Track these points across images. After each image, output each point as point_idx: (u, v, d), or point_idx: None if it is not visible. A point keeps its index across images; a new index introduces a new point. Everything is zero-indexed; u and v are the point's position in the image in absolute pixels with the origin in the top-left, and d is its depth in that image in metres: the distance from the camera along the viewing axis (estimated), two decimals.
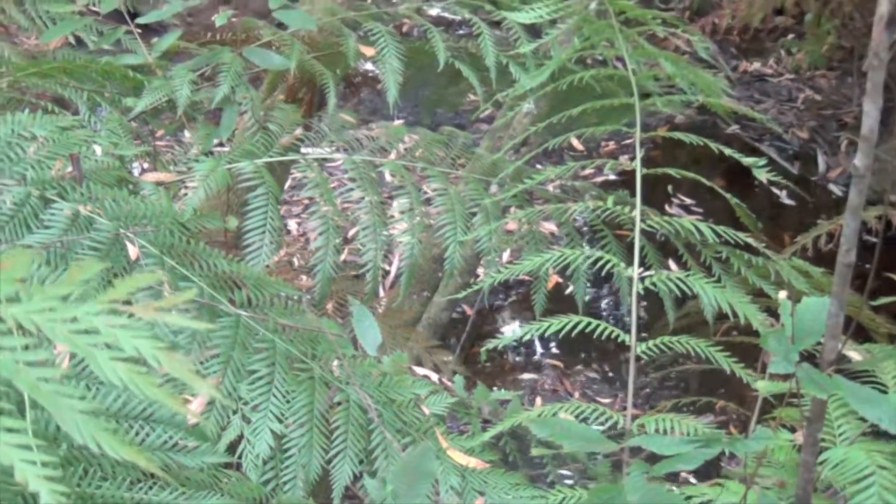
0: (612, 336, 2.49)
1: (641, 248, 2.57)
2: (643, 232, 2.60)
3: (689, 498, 2.25)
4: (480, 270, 2.83)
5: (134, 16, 3.06)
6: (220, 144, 2.79)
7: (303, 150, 2.87)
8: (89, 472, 1.83)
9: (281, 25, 2.96)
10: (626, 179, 2.61)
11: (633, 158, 2.72)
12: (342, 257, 2.75)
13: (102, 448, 1.22)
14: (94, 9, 3.11)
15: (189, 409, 1.74)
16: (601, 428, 2.34)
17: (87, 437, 1.22)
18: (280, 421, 2.07)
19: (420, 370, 3.14)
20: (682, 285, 2.52)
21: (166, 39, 2.94)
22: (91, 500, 1.81)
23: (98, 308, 1.31)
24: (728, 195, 3.04)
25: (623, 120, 2.91)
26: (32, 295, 1.34)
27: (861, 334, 3.24)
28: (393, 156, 3.01)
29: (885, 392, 2.43)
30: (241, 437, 2.04)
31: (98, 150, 2.45)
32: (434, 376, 2.84)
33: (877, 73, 1.80)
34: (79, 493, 1.81)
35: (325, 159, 2.89)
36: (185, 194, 2.55)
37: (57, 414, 1.22)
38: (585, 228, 2.95)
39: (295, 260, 4.22)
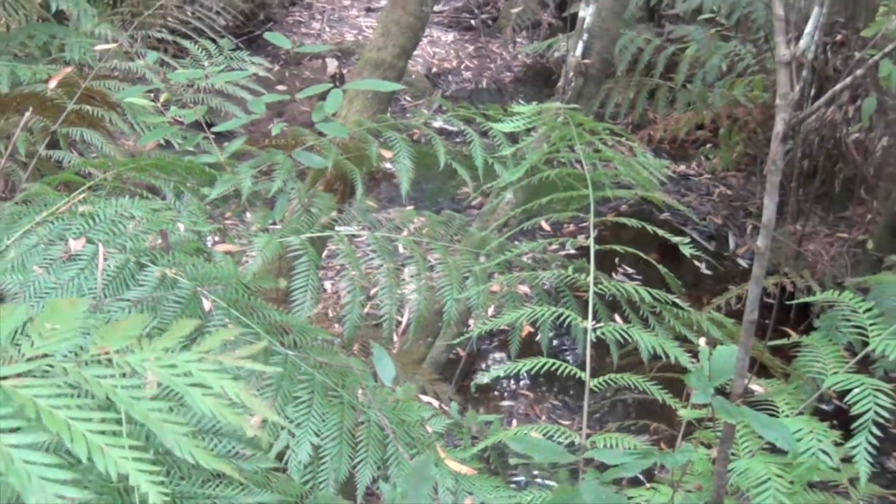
0: (571, 373, 2.51)
1: (594, 306, 2.59)
2: (596, 293, 2.62)
3: (630, 498, 2.25)
4: (471, 322, 2.83)
5: (210, 125, 3.09)
6: (274, 223, 2.80)
7: (337, 228, 2.88)
8: (171, 473, 1.84)
9: (321, 133, 2.98)
10: (582, 253, 2.62)
11: (588, 237, 2.74)
12: (365, 310, 2.74)
13: (197, 460, 1.25)
14: (179, 119, 3.14)
15: (249, 426, 1.75)
16: (563, 443, 2.35)
17: (185, 451, 1.25)
18: (317, 435, 2.07)
19: (424, 398, 3.14)
20: (625, 334, 2.55)
21: (234, 144, 2.96)
22: (172, 496, 1.82)
23: (192, 357, 1.34)
24: (660, 266, 3.06)
25: (580, 207, 2.93)
26: (143, 347, 1.37)
27: (762, 373, 3.24)
28: (405, 233, 3.02)
29: (777, 416, 2.45)
30: (287, 447, 2.05)
31: (181, 227, 2.45)
32: (435, 403, 2.84)
33: (773, 177, 1.84)
34: (168, 488, 1.83)
35: (353, 235, 2.90)
36: (247, 261, 2.57)
37: (162, 435, 1.25)
38: (552, 290, 2.95)
39: (329, 312, 4.21)
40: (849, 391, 2.34)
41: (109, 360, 1.34)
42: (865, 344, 2.48)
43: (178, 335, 1.41)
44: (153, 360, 1.35)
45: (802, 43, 3.38)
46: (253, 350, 1.44)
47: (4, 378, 1.25)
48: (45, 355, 1.31)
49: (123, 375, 1.33)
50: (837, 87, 2.17)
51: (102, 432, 1.21)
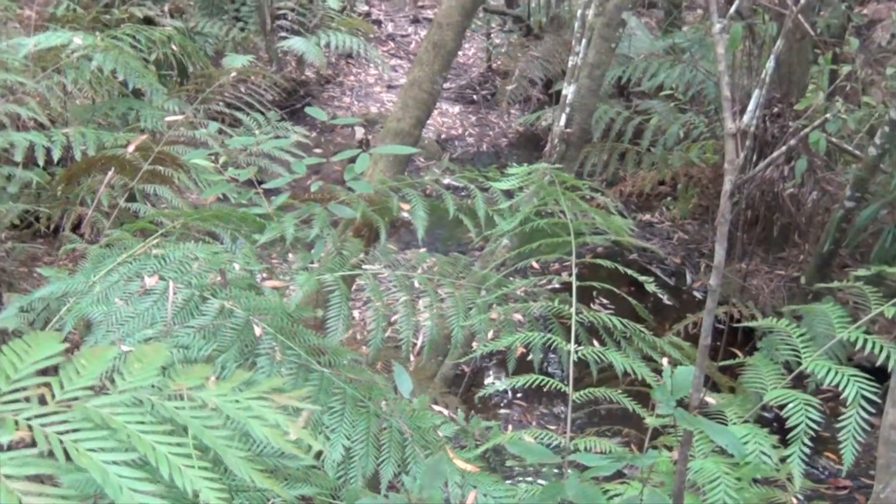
0: (557, 387, 2.50)
1: (576, 331, 2.58)
2: (577, 321, 2.61)
3: (605, 492, 2.24)
4: (475, 344, 2.83)
5: (260, 183, 3.11)
6: (313, 263, 2.81)
7: (364, 267, 2.89)
8: (228, 470, 1.84)
9: (351, 189, 2.99)
10: (566, 288, 2.62)
11: (570, 275, 2.74)
12: (387, 334, 2.74)
13: (254, 480, 1.26)
14: (234, 177, 3.15)
15: (292, 430, 1.75)
16: (550, 446, 2.34)
17: (245, 473, 1.26)
18: (348, 439, 2.06)
19: (436, 408, 3.12)
20: (601, 355, 2.54)
21: (280, 198, 2.97)
22: (229, 490, 1.82)
23: (252, 395, 1.36)
24: (630, 299, 3.06)
25: (564, 250, 2.93)
26: (213, 386, 1.38)
27: (714, 388, 3.24)
28: (420, 271, 3.02)
29: (727, 425, 2.44)
30: (323, 448, 2.05)
31: (236, 266, 2.46)
32: (445, 411, 2.83)
33: (723, 227, 1.84)
34: (225, 483, 1.82)
35: (377, 273, 2.91)
36: (290, 295, 2.58)
37: (226, 458, 1.26)
38: (541, 318, 2.95)
39: (357, 336, 4.19)
40: (786, 404, 2.34)
41: (185, 396, 1.36)
42: (799, 363, 2.48)
43: (240, 379, 1.43)
44: (222, 397, 1.37)
45: (746, 118, 3.40)
46: (302, 393, 1.46)
47: (102, 406, 1.26)
48: (134, 389, 1.33)
49: (197, 408, 1.34)
50: (775, 153, 2.17)
51: (180, 455, 1.22)
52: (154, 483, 1.16)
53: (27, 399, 1.25)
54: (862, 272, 2.72)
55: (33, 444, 1.35)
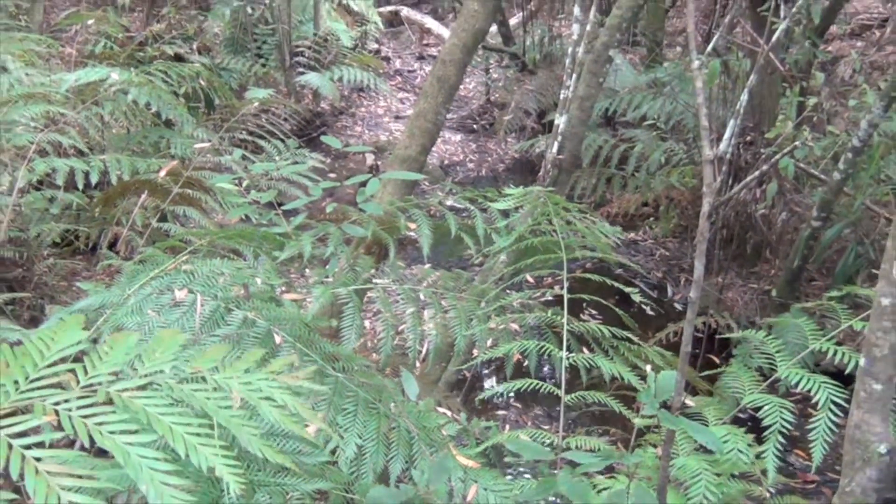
0: (550, 391, 2.50)
1: (567, 340, 2.58)
2: (569, 330, 2.61)
3: (595, 486, 2.24)
4: (475, 351, 2.82)
5: (280, 204, 3.11)
6: (328, 278, 2.81)
7: (374, 281, 2.89)
8: (251, 466, 1.84)
9: (363, 210, 2.99)
10: (558, 300, 2.62)
11: (562, 288, 2.74)
12: (395, 342, 2.74)
13: (265, 455, 1.25)
14: (257, 200, 3.16)
15: (307, 431, 1.75)
16: (544, 444, 2.34)
17: (256, 449, 1.25)
18: (360, 437, 2.06)
19: (440, 409, 3.11)
20: (591, 362, 2.54)
21: (298, 218, 2.97)
22: (252, 484, 1.82)
23: (263, 376, 1.35)
24: (617, 309, 3.06)
25: (556, 265, 2.93)
26: (225, 368, 1.38)
27: (694, 391, 3.23)
28: (425, 285, 3.02)
29: (706, 425, 2.44)
30: (337, 446, 2.04)
31: (258, 280, 2.46)
32: (448, 413, 2.82)
33: (701, 245, 1.85)
34: (246, 477, 1.82)
35: (386, 287, 2.92)
36: (308, 306, 2.58)
37: (239, 436, 1.25)
38: (536, 328, 2.95)
39: (368, 343, 4.20)
40: (763, 406, 2.35)
41: (202, 378, 1.35)
42: (773, 369, 2.48)
43: (253, 359, 1.42)
44: (234, 378, 1.36)
45: (722, 146, 3.40)
46: (308, 371, 1.45)
47: (123, 391, 1.25)
48: (153, 374, 1.32)
49: (213, 390, 1.33)
50: (749, 178, 2.18)
51: (197, 434, 1.21)
52: (173, 463, 1.16)
53: (58, 385, 1.25)
54: (835, 293, 2.73)
55: (72, 443, 1.35)
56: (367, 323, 4.98)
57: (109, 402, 1.23)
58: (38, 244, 4.44)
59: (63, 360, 1.29)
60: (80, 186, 4.42)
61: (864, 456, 2.07)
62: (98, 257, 4.60)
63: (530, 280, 3.54)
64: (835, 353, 2.41)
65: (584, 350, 2.64)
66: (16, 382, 1.23)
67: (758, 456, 2.32)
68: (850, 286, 2.73)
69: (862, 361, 2.05)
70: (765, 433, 2.30)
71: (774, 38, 4.49)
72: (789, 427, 2.28)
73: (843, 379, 2.40)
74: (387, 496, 1.84)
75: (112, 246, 4.56)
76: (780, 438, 2.27)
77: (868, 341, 2.04)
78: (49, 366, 1.27)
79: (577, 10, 5.51)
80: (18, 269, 4.26)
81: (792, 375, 2.37)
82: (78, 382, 1.25)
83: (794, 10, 4.51)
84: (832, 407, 2.26)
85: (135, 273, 2.41)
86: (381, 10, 11.87)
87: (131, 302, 2.22)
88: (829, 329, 2.51)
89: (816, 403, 2.32)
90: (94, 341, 2.03)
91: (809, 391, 2.32)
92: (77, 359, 1.31)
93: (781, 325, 2.72)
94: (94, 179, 4.37)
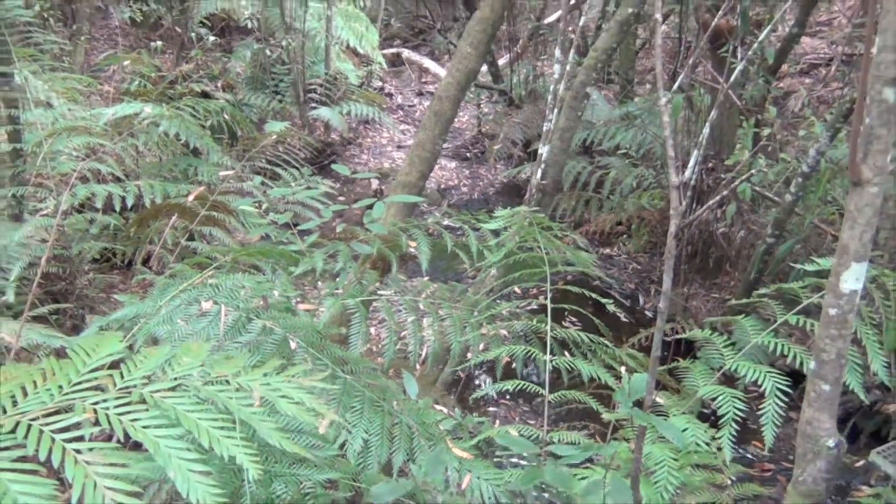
0: (536, 390, 2.50)
1: (551, 345, 2.59)
2: (552, 336, 2.62)
3: (576, 475, 2.23)
4: (469, 355, 2.82)
5: (295, 225, 3.11)
6: (338, 290, 2.81)
7: (379, 293, 2.89)
8: (269, 459, 1.84)
9: (369, 230, 2.99)
10: (543, 309, 2.62)
11: (546, 298, 2.74)
12: (397, 347, 2.74)
13: (282, 446, 1.25)
14: (275, 221, 3.16)
15: (320, 426, 1.75)
16: (530, 438, 2.34)
17: (275, 440, 1.25)
18: (366, 433, 2.06)
19: (438, 407, 3.11)
20: (571, 364, 2.54)
21: (311, 237, 2.97)
22: (269, 473, 1.81)
23: (281, 379, 1.35)
24: (594, 318, 3.06)
25: (541, 278, 2.93)
26: (247, 372, 1.38)
27: (663, 390, 3.23)
28: (424, 296, 3.03)
29: (673, 420, 2.44)
30: (345, 441, 2.04)
31: (276, 293, 2.46)
32: (445, 410, 2.81)
33: (669, 261, 1.85)
34: (265, 468, 1.82)
35: (390, 298, 2.92)
36: (320, 315, 2.58)
37: (260, 430, 1.25)
38: (523, 334, 2.95)
39: (373, 348, 4.19)
40: (717, 397, 2.36)
41: (225, 381, 1.36)
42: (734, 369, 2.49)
43: (272, 366, 1.43)
44: (256, 381, 1.36)
45: (687, 172, 3.41)
46: (322, 375, 1.45)
47: (155, 392, 1.26)
48: (182, 377, 1.33)
49: (235, 390, 1.34)
50: (711, 201, 2.19)
51: (220, 428, 1.22)
52: (197, 453, 1.17)
53: (97, 388, 1.26)
54: (764, 290, 2.74)
55: (108, 438, 1.35)
56: (372, 330, 4.96)
57: (143, 401, 1.24)
58: (80, 260, 4.43)
59: (102, 367, 1.30)
60: (117, 209, 4.41)
61: (815, 449, 2.07)
62: (133, 272, 4.60)
63: (518, 291, 3.54)
64: (784, 351, 2.42)
65: (566, 354, 2.65)
66: (60, 387, 1.24)
67: (719, 447, 2.32)
68: (779, 284, 2.73)
69: (812, 364, 2.06)
70: (720, 421, 2.31)
71: (733, 76, 4.52)
72: (743, 415, 2.29)
73: (798, 377, 2.41)
74: (388, 490, 1.83)
75: (146, 262, 4.56)
76: (737, 426, 2.28)
77: (817, 346, 2.04)
78: (89, 371, 1.28)
79: (557, 52, 5.54)
80: (62, 283, 4.26)
81: (740, 367, 2.38)
82: (115, 385, 1.26)
83: (749, 51, 4.53)
84: (778, 394, 2.27)
85: (166, 286, 2.40)
86: (385, 52, 11.89)
87: (163, 312, 2.22)
88: (780, 329, 2.52)
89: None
90: (130, 347, 2.03)
91: (759, 383, 2.33)
92: (114, 365, 1.32)
93: (737, 326, 2.72)
94: (129, 203, 4.37)
